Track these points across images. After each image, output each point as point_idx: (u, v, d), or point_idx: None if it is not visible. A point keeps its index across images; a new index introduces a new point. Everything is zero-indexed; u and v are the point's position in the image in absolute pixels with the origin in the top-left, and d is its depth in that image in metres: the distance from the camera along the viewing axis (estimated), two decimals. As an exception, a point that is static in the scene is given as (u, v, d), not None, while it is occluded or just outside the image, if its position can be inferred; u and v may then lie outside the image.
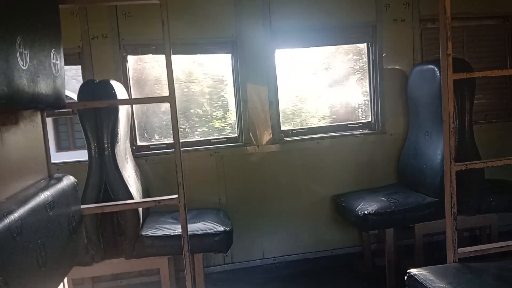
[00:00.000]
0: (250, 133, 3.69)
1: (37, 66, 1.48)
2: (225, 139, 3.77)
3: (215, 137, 3.77)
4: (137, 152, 3.54)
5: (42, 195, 1.62)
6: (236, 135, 3.78)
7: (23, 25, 1.40)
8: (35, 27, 1.50)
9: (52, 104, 1.67)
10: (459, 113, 3.14)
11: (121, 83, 3.25)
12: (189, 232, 2.30)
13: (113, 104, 2.55)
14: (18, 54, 1.33)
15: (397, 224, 3.27)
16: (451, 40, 2.20)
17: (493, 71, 2.62)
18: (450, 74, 2.22)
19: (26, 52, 1.38)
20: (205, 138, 3.77)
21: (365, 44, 3.86)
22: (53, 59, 1.65)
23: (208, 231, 2.95)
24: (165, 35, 1.98)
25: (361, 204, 3.35)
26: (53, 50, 1.65)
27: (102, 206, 2.12)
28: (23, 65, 1.36)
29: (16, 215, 1.35)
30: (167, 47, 2.02)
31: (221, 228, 2.98)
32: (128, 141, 3.23)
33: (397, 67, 3.84)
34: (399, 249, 3.52)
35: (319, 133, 3.89)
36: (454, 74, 2.23)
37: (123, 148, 2.99)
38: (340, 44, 3.84)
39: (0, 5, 1.25)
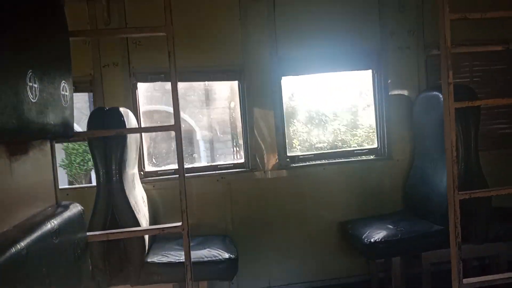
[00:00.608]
0: (257, 159, 3.72)
1: (47, 98, 1.54)
2: (232, 165, 3.81)
3: (222, 163, 3.81)
4: (145, 178, 3.59)
5: (49, 223, 1.65)
6: (242, 160, 3.81)
7: (34, 58, 1.47)
8: (46, 60, 1.57)
9: (60, 134, 1.73)
10: (464, 140, 3.13)
11: (131, 110, 3.33)
12: (194, 259, 2.31)
13: (120, 133, 2.61)
14: (28, 88, 1.39)
15: (404, 252, 3.24)
16: (451, 69, 2.24)
17: (495, 99, 2.64)
18: (451, 103, 2.25)
19: (36, 85, 1.44)
20: (212, 164, 3.82)
21: (371, 70, 3.91)
22: (63, 90, 1.72)
23: (213, 258, 2.95)
24: (172, 66, 2.05)
25: (368, 231, 3.33)
26: (63, 82, 1.71)
27: (107, 234, 2.15)
28: (32, 98, 1.42)
29: (22, 244, 1.38)
30: (173, 77, 2.08)
31: (226, 256, 2.98)
32: (136, 166, 3.28)
33: (402, 94, 3.87)
34: (407, 278, 3.46)
35: (326, 159, 3.91)
36: (455, 103, 2.26)
37: (131, 174, 3.04)
38: (346, 71, 3.91)
39: (11, 39, 1.32)
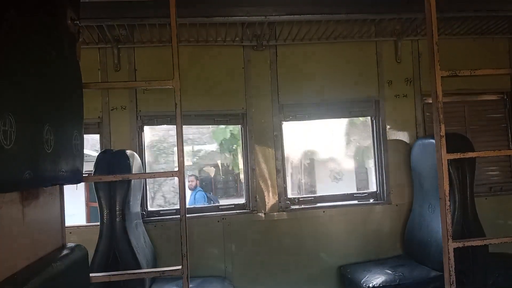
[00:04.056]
0: (257, 200, 3.79)
1: (60, 148, 1.65)
2: (233, 206, 3.88)
3: (223, 204, 3.88)
4: (147, 217, 3.66)
5: (55, 265, 1.73)
6: (243, 201, 3.89)
7: (51, 113, 1.59)
8: (61, 114, 1.70)
9: (70, 180, 1.83)
10: (460, 188, 3.21)
11: (137, 152, 3.45)
12: (192, 303, 2.35)
13: (126, 178, 2.72)
14: (44, 141, 1.50)
15: (402, 298, 3.24)
16: (443, 122, 2.35)
17: (486, 152, 2.73)
18: (444, 154, 2.34)
19: (51, 138, 1.56)
20: (214, 204, 3.89)
21: (369, 117, 4.04)
22: (75, 140, 1.83)
23: (212, 301, 2.97)
24: (178, 116, 2.17)
25: (366, 276, 3.35)
26: (75, 132, 1.83)
27: (109, 275, 2.21)
28: (47, 149, 1.53)
29: (29, 285, 1.46)
30: (178, 126, 2.19)
31: (225, 299, 3.00)
32: (139, 207, 3.36)
33: (400, 140, 3.98)
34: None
35: (325, 202, 3.98)
36: (448, 154, 2.35)
37: (134, 214, 3.12)
38: (345, 117, 4.06)
39: (30, 96, 1.44)
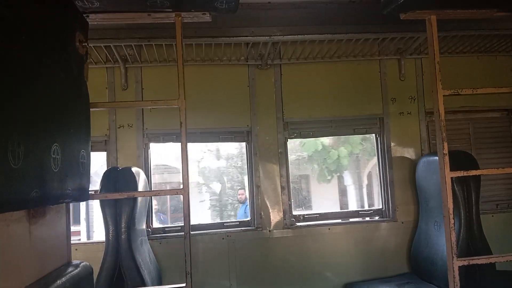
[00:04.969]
0: (262, 218, 3.80)
1: (67, 167, 1.69)
2: (238, 223, 3.88)
3: (227, 220, 3.89)
4: (152, 234, 3.67)
5: (60, 281, 1.75)
6: (248, 219, 3.89)
7: (58, 132, 1.64)
8: (69, 133, 1.74)
9: (77, 198, 1.86)
10: (466, 205, 3.20)
11: (143, 169, 3.49)
12: (196, 321, 2.34)
13: (131, 196, 2.75)
14: (52, 160, 1.54)
15: (408, 317, 3.21)
16: (446, 140, 2.37)
17: (489, 169, 2.73)
18: (447, 172, 2.35)
19: (58, 157, 1.60)
20: (219, 221, 3.90)
21: (374, 134, 4.06)
22: (81, 158, 1.87)
23: (216, 319, 2.96)
24: (183, 134, 2.21)
25: (372, 294, 3.32)
26: (82, 151, 1.87)
27: (114, 293, 2.22)
28: (54, 168, 1.57)
29: None
30: (183, 144, 2.23)
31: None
32: (144, 223, 3.38)
33: (405, 157, 3.99)
34: None
35: (330, 219, 3.97)
36: (451, 172, 2.36)
37: (139, 231, 3.14)
38: (349, 135, 4.06)
39: (38, 116, 1.48)
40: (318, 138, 4.09)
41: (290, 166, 3.91)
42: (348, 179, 11.09)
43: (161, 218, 8.97)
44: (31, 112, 1.41)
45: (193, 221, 3.07)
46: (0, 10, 1.21)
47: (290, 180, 3.91)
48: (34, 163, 1.41)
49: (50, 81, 1.62)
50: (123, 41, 3.30)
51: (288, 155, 3.91)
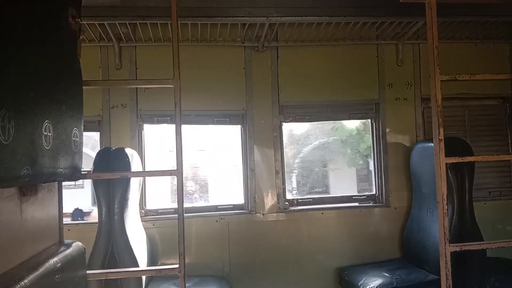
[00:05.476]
0: (256, 201, 3.80)
1: (59, 145, 1.66)
2: (232, 206, 3.88)
3: (221, 203, 3.89)
4: (145, 216, 3.66)
5: (52, 261, 1.73)
6: (242, 202, 3.89)
7: (49, 109, 1.60)
8: (61, 111, 1.70)
9: (69, 177, 1.83)
10: (459, 192, 3.21)
11: (136, 150, 3.46)
12: (188, 302, 2.35)
13: (124, 176, 2.72)
14: (43, 137, 1.51)
15: (398, 301, 3.24)
16: (442, 126, 2.35)
17: (484, 156, 2.74)
18: (442, 158, 2.35)
19: (50, 134, 1.56)
20: (212, 204, 3.90)
21: (369, 120, 4.04)
22: (74, 136, 1.84)
23: (208, 300, 2.97)
24: (177, 115, 2.17)
25: (364, 279, 3.35)
26: (74, 128, 1.84)
27: (106, 273, 2.22)
28: (46, 145, 1.53)
29: (26, 281, 1.46)
30: (177, 125, 2.20)
31: (222, 299, 3.00)
32: (137, 205, 3.36)
33: (400, 143, 3.98)
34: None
35: (324, 203, 3.98)
36: (446, 158, 2.36)
37: (132, 212, 3.12)
38: (345, 120, 4.05)
39: (29, 92, 1.44)
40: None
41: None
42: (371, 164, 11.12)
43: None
44: (21, 87, 1.37)
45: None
46: None
47: (285, 164, 3.90)
48: (25, 140, 1.38)
49: (41, 56, 1.57)
50: (117, 19, 3.23)
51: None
